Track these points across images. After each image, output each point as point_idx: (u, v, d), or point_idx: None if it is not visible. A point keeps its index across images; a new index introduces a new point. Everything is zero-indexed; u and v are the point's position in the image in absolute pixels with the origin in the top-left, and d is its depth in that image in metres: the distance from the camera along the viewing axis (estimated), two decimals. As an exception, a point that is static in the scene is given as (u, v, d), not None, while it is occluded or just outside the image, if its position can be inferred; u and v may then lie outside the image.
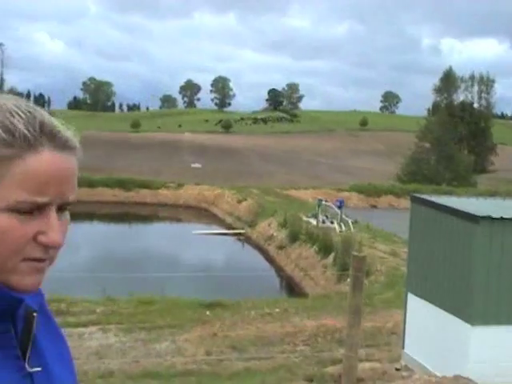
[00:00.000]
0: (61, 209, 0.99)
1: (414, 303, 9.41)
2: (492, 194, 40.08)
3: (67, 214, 1.02)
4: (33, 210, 0.94)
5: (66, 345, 1.20)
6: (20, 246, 0.95)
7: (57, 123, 0.99)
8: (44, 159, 0.94)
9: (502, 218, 7.80)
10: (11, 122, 0.93)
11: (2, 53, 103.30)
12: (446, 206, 8.63)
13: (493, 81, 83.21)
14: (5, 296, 0.98)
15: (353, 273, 7.79)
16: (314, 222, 27.47)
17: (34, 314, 1.07)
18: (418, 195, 10.01)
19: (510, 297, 7.95)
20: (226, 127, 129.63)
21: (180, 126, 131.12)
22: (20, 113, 0.95)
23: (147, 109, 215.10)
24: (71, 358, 1.20)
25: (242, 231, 33.32)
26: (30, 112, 0.96)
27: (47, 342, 1.12)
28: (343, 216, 27.40)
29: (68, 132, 1.00)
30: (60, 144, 0.96)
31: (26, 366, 1.03)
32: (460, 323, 8.20)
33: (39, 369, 1.05)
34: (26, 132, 0.93)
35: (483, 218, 7.77)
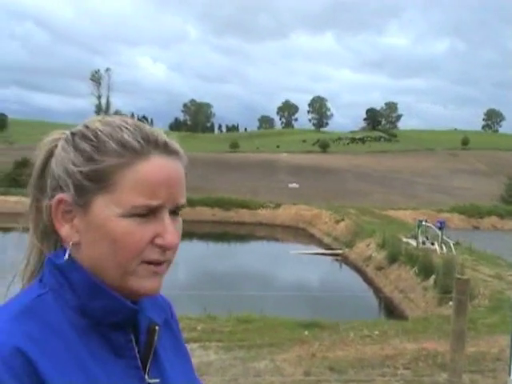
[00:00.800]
0: (173, 212, 1.06)
1: (522, 328, 9.08)
2: None
3: (179, 218, 1.08)
4: (148, 214, 1.02)
5: (189, 360, 1.24)
6: (139, 249, 1.02)
7: (161, 132, 1.08)
8: (154, 164, 1.02)
9: None
10: (121, 136, 1.03)
11: (108, 77, 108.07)
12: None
13: None
14: (121, 308, 1.04)
15: (456, 296, 7.64)
16: (413, 243, 26.95)
17: (156, 328, 1.12)
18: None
19: None
20: (324, 147, 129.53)
21: (278, 146, 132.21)
22: (128, 127, 1.05)
23: (245, 129, 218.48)
24: (194, 375, 1.24)
25: (339, 251, 33.10)
26: (136, 125, 1.07)
27: (170, 356, 1.16)
28: (444, 237, 26.74)
29: (172, 140, 1.09)
30: (166, 150, 1.05)
31: (146, 376, 1.08)
32: None
33: (157, 380, 1.10)
34: (134, 142, 1.03)
35: None
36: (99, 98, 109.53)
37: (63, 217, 1.04)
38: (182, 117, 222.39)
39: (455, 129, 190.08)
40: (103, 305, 1.02)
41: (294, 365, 10.69)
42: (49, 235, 1.09)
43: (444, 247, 25.58)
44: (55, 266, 1.05)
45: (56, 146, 1.08)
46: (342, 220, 38.63)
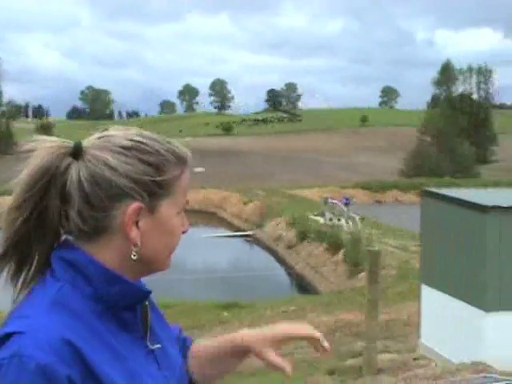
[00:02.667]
0: None
1: (429, 294, 9.65)
2: (495, 184, 40.27)
3: None
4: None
5: (169, 327, 1.42)
6: (180, 237, 1.29)
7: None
8: (188, 172, 1.27)
9: (510, 207, 8.06)
10: (174, 150, 1.23)
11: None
12: (456, 198, 8.89)
13: (490, 71, 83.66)
14: (136, 291, 1.21)
15: (369, 267, 8.08)
16: (321, 220, 27.70)
17: (146, 303, 1.30)
18: (428, 189, 10.27)
19: (523, 283, 8.20)
20: (227, 130, 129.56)
21: (181, 131, 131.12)
22: (170, 141, 1.26)
23: (146, 115, 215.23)
24: (175, 339, 1.42)
25: (250, 233, 33.52)
26: (168, 140, 1.27)
27: (157, 325, 1.33)
28: (350, 213, 27.63)
29: None
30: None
31: (149, 344, 1.24)
32: (474, 311, 8.44)
33: (159, 345, 1.27)
34: (183, 155, 1.25)
35: (493, 207, 8.03)
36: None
37: (133, 221, 1.17)
38: (80, 104, 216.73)
39: (355, 107, 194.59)
40: (119, 290, 1.17)
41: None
42: (47, 237, 1.19)
43: (350, 222, 26.45)
44: (69, 261, 1.17)
45: (63, 157, 1.17)
46: (251, 201, 39.07)
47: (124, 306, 1.19)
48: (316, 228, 25.52)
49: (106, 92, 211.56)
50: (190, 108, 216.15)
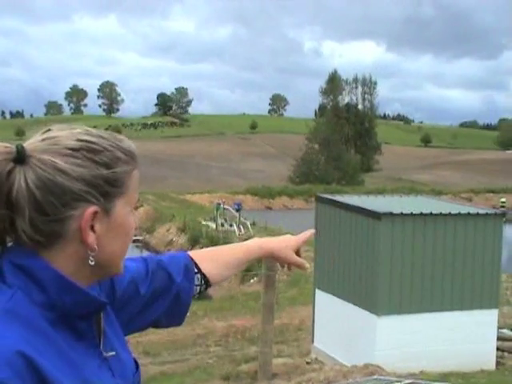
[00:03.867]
0: None
1: (322, 298, 9.86)
2: (379, 191, 41.84)
3: None
4: None
5: (120, 330, 1.34)
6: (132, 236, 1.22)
7: None
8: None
9: (402, 214, 8.37)
10: (122, 146, 1.17)
11: None
12: (349, 205, 9.13)
13: (375, 82, 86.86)
14: (92, 301, 1.14)
15: (265, 272, 8.11)
16: (213, 225, 27.74)
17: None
18: (322, 195, 10.49)
19: (412, 287, 8.53)
20: (116, 133, 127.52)
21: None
22: (120, 136, 1.20)
23: (31, 116, 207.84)
24: (126, 342, 1.34)
25: (139, 237, 33.04)
26: (115, 135, 1.20)
27: (110, 330, 1.25)
28: (242, 218, 27.82)
29: None
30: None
31: (103, 352, 1.18)
32: (366, 314, 8.69)
33: (113, 353, 1.20)
34: (132, 149, 1.19)
35: (385, 214, 8.30)
36: None
37: (89, 226, 1.10)
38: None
39: (244, 113, 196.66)
40: (74, 299, 1.10)
41: (108, 353, 10.60)
42: None
43: (242, 228, 26.65)
44: (21, 266, 1.09)
45: (6, 162, 1.09)
46: (141, 206, 38.53)
47: (78, 315, 1.13)
48: (208, 233, 25.51)
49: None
50: (77, 110, 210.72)
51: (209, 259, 1.55)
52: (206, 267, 1.53)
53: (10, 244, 1.13)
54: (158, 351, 10.83)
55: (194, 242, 25.51)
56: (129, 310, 1.35)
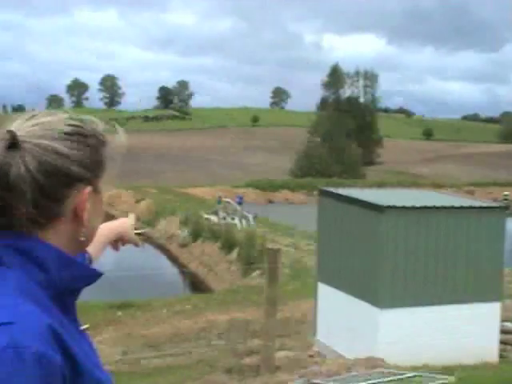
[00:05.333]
0: None
1: (325, 292, 9.86)
2: (380, 184, 41.84)
3: None
4: None
5: None
6: None
7: None
8: None
9: (404, 207, 8.36)
10: (99, 129, 1.24)
11: None
12: (353, 198, 9.12)
13: (376, 75, 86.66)
14: (91, 274, 1.20)
15: (268, 265, 8.10)
16: (215, 218, 27.70)
17: None
18: (325, 188, 10.48)
19: (415, 280, 8.53)
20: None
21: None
22: (91, 118, 1.26)
23: (33, 109, 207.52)
24: None
25: (141, 231, 32.90)
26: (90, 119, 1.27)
27: None
28: (243, 212, 27.81)
29: None
30: None
31: (81, 325, 1.24)
32: (369, 307, 8.70)
33: (87, 326, 1.30)
34: (107, 130, 1.26)
35: (388, 207, 8.29)
36: None
37: (86, 205, 1.17)
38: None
39: (245, 106, 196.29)
40: (73, 274, 1.15)
41: (111, 346, 10.64)
42: None
43: (244, 221, 26.63)
44: (19, 248, 1.12)
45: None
46: (143, 199, 38.57)
47: (74, 289, 1.18)
48: (210, 227, 25.49)
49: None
50: (78, 103, 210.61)
51: None
52: None
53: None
54: (161, 344, 10.85)
55: (196, 235, 25.52)
56: None
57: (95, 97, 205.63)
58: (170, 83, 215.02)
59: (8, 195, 1.11)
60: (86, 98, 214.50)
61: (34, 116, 1.18)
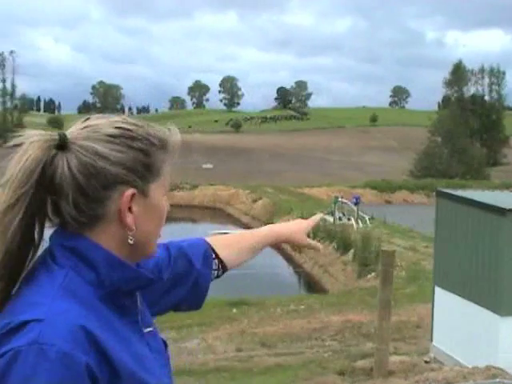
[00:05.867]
0: None
1: (442, 296, 9.53)
2: (506, 186, 40.03)
3: None
4: None
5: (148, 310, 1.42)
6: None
7: None
8: None
9: (528, 210, 7.91)
10: (158, 134, 1.24)
11: (13, 60, 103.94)
12: (472, 200, 8.75)
13: (503, 73, 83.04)
14: (141, 277, 1.23)
15: (382, 267, 7.93)
16: (330, 219, 27.54)
17: None
18: (443, 190, 10.13)
19: (539, 287, 8.06)
20: (236, 127, 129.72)
21: (190, 126, 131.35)
22: (152, 124, 1.27)
23: (156, 111, 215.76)
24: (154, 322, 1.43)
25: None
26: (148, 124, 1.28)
27: (143, 308, 1.32)
28: (360, 212, 27.47)
29: None
30: None
31: (142, 328, 1.26)
32: (489, 314, 8.31)
33: (151, 329, 1.29)
34: (166, 137, 1.26)
35: (510, 210, 7.88)
36: (3, 81, 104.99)
37: (128, 207, 1.18)
38: (90, 99, 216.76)
39: (363, 106, 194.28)
40: (123, 276, 1.18)
41: (226, 342, 10.81)
42: (39, 226, 1.19)
43: (360, 222, 26.31)
44: (71, 248, 1.17)
45: (50, 149, 1.15)
46: (260, 199, 39.01)
47: (126, 291, 1.21)
48: (326, 227, 25.36)
49: (116, 87, 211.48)
50: (199, 104, 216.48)
51: (225, 245, 1.64)
52: (222, 253, 1.61)
53: (55, 228, 1.21)
54: (273, 343, 10.90)
55: (312, 236, 25.47)
56: (151, 293, 1.39)
57: (215, 98, 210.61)
58: (288, 84, 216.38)
59: (55, 196, 1.16)
60: (207, 100, 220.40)
61: (87, 119, 1.22)
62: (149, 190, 1.21)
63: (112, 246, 1.19)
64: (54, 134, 1.17)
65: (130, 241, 1.19)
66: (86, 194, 1.15)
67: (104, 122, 1.20)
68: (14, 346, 1.02)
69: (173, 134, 1.29)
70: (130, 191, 1.17)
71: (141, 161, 1.19)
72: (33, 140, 1.15)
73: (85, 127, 1.19)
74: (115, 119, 1.22)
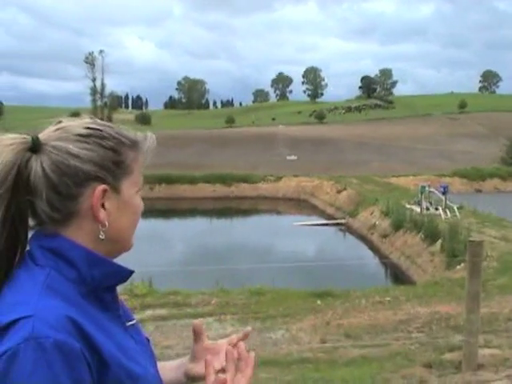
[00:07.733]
0: None
1: (535, 287, 9.16)
2: None
3: None
4: None
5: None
6: (140, 217, 1.35)
7: None
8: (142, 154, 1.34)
9: None
10: (127, 134, 1.31)
11: (102, 59, 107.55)
12: None
13: None
14: (121, 272, 1.28)
15: (470, 258, 7.67)
16: (417, 209, 26.96)
17: None
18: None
19: None
20: (320, 118, 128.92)
21: (274, 119, 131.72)
22: (121, 126, 1.34)
23: (240, 104, 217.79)
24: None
25: (343, 221, 33.18)
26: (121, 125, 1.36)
27: (123, 303, 1.37)
28: (448, 202, 26.76)
29: None
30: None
31: (125, 321, 1.32)
32: None
33: (133, 322, 1.36)
34: (134, 137, 1.33)
35: None
36: (94, 80, 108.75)
37: (100, 203, 1.24)
38: (176, 95, 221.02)
39: (451, 92, 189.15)
40: (103, 272, 1.24)
41: (310, 333, 10.78)
42: (21, 226, 1.25)
43: (448, 212, 25.62)
44: (50, 248, 1.22)
45: (24, 152, 1.21)
46: (344, 189, 38.69)
47: (106, 287, 1.26)
48: (412, 217, 24.85)
49: (201, 82, 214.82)
50: (283, 96, 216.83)
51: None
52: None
53: (34, 230, 1.27)
54: (358, 334, 10.78)
55: (398, 226, 25.01)
56: None
57: (299, 89, 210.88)
58: (372, 72, 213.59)
59: (31, 196, 1.21)
60: (290, 91, 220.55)
61: (59, 122, 1.29)
62: (120, 186, 1.27)
63: (88, 242, 1.24)
64: (26, 137, 1.23)
65: (101, 236, 1.24)
66: (59, 191, 1.20)
67: (75, 124, 1.27)
68: (10, 345, 1.06)
69: (148, 137, 1.35)
70: (101, 187, 1.23)
71: (111, 158, 1.25)
72: (6, 144, 1.21)
73: (57, 129, 1.25)
74: (86, 120, 1.29)
